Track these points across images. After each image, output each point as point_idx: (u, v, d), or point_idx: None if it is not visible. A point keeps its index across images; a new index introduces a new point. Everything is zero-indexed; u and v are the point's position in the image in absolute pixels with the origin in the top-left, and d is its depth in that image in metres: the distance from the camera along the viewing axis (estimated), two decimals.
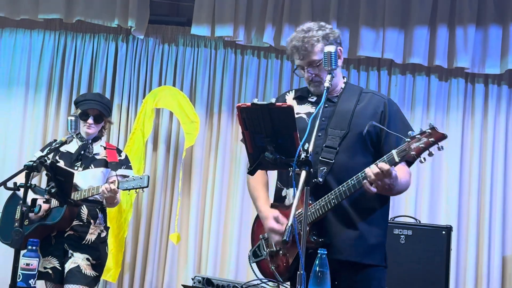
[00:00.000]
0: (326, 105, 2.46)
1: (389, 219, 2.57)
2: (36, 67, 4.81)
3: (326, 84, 2.31)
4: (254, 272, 2.46)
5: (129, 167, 3.58)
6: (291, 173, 2.36)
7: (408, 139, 2.10)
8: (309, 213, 2.25)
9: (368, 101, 2.47)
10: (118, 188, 3.27)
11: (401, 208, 4.42)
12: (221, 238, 4.63)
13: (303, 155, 1.99)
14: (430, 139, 2.06)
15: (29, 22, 4.72)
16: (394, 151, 2.13)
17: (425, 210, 4.48)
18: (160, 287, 4.58)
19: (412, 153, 2.08)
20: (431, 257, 3.61)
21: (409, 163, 2.40)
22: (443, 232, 3.63)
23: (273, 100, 2.00)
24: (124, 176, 3.44)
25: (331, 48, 2.32)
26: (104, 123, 3.59)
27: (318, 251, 1.93)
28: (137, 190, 3.31)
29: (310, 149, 2.05)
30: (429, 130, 2.07)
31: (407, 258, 3.60)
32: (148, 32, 4.76)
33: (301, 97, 2.58)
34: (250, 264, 2.52)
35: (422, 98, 4.68)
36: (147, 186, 3.28)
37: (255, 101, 2.01)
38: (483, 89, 4.65)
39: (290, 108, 2.01)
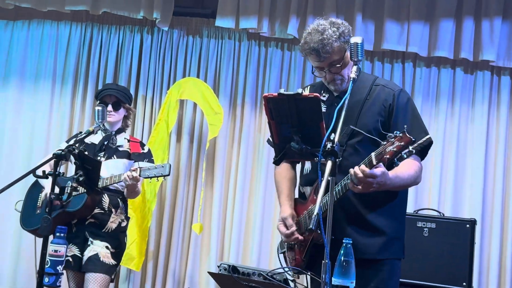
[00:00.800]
0: (336, 103, 2.43)
1: (407, 211, 2.55)
2: (62, 59, 4.88)
3: (352, 75, 2.30)
4: (280, 262, 2.51)
5: (151, 161, 3.61)
6: (305, 171, 2.40)
7: (385, 142, 2.08)
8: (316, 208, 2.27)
9: (378, 94, 2.44)
10: (140, 175, 3.31)
11: (425, 201, 4.41)
12: (244, 228, 4.67)
13: (329, 145, 2.00)
14: (400, 143, 2.04)
15: (56, 13, 4.78)
16: (372, 154, 2.11)
17: (448, 203, 4.46)
18: (183, 276, 4.63)
19: (386, 156, 2.06)
20: (455, 250, 3.59)
21: (422, 155, 2.38)
22: (467, 225, 3.61)
23: (300, 90, 2.02)
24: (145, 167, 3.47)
25: (357, 39, 2.32)
26: (126, 111, 3.63)
27: (344, 241, 1.95)
28: (159, 178, 3.34)
29: (336, 139, 2.06)
30: (400, 134, 2.04)
31: (430, 251, 3.58)
32: (173, 24, 4.79)
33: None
34: (278, 255, 2.58)
35: (447, 91, 4.65)
36: (168, 174, 3.30)
37: (282, 91, 2.02)
38: (509, 82, 4.60)
39: (317, 98, 2.02)
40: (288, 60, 4.82)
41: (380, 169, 2.11)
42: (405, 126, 2.07)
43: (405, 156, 2.05)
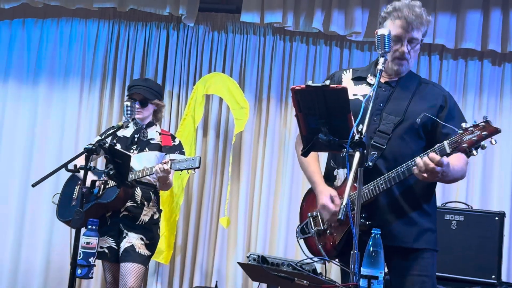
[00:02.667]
0: (384, 89, 2.47)
1: (438, 206, 2.59)
2: (91, 56, 4.95)
3: (379, 66, 2.32)
4: (301, 247, 2.51)
5: (183, 153, 3.68)
6: (342, 154, 2.40)
7: (461, 131, 2.09)
8: (355, 196, 2.27)
9: (428, 92, 2.48)
10: (171, 168, 3.36)
11: (452, 194, 4.38)
12: (270, 222, 4.70)
13: (357, 137, 2.01)
14: (483, 133, 2.05)
15: (84, 11, 4.85)
16: (445, 142, 2.14)
17: (476, 196, 4.43)
18: (211, 269, 4.68)
19: (464, 145, 2.08)
20: (483, 243, 3.56)
21: (466, 154, 2.39)
22: (496, 218, 3.57)
23: (327, 82, 2.03)
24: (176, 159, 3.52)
25: (385, 31, 2.32)
26: (155, 106, 3.69)
27: (372, 231, 1.96)
28: (189, 171, 3.39)
29: (364, 131, 2.07)
30: (482, 123, 2.06)
31: (458, 244, 3.56)
32: (198, 20, 4.83)
33: (359, 78, 2.57)
34: (298, 240, 2.57)
35: (475, 83, 4.61)
36: (198, 167, 3.35)
37: (310, 83, 2.04)
38: None
39: (344, 89, 2.03)
40: (313, 54, 4.82)
41: (446, 159, 2.14)
42: (463, 124, 2.10)
43: (486, 145, 2.06)
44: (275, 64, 4.84)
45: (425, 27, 2.46)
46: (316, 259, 2.34)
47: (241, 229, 4.67)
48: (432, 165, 2.13)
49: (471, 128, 2.07)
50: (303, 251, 2.49)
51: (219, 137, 4.82)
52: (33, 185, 2.98)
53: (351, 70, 2.66)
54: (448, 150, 2.13)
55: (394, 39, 2.41)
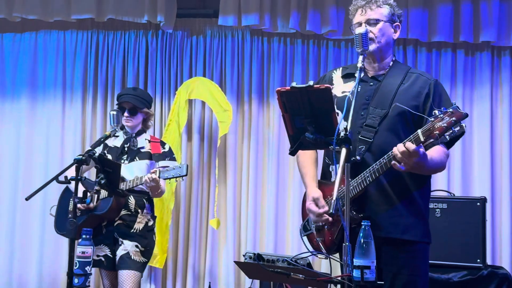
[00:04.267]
0: (371, 83, 2.55)
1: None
2: (71, 68, 4.97)
3: (359, 64, 2.41)
4: (305, 244, 2.58)
5: (173, 159, 3.74)
6: (330, 150, 2.47)
7: (432, 119, 2.17)
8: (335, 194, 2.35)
9: (413, 81, 2.53)
10: (159, 177, 3.42)
11: (434, 182, 4.43)
12: (259, 221, 4.77)
13: (342, 133, 2.10)
14: (452, 119, 2.11)
15: (62, 23, 4.86)
16: (419, 131, 2.20)
17: (458, 183, 4.56)
18: (203, 270, 4.75)
19: (435, 132, 2.14)
20: (467, 228, 3.67)
21: (449, 144, 2.46)
22: (478, 204, 3.69)
23: (311, 82, 2.11)
24: (166, 167, 3.59)
25: (361, 30, 2.43)
26: (145, 115, 3.74)
27: (362, 223, 2.04)
28: (177, 178, 3.46)
29: (349, 127, 2.16)
30: (451, 110, 2.13)
31: (443, 231, 3.66)
32: (177, 26, 4.88)
33: (348, 75, 2.64)
34: (301, 237, 2.65)
35: (449, 74, 4.74)
36: (186, 175, 3.42)
37: (294, 84, 2.11)
38: (510, 61, 4.68)
39: (328, 89, 2.10)
40: (292, 54, 4.90)
41: (422, 150, 2.20)
42: (444, 107, 2.16)
43: (456, 131, 2.12)
44: (254, 66, 4.91)
45: (385, 8, 2.57)
46: (309, 254, 2.41)
47: (231, 230, 4.74)
48: (407, 153, 2.19)
49: (441, 115, 2.14)
50: (307, 248, 2.56)
51: (204, 141, 4.88)
52: (26, 199, 3.02)
53: (341, 68, 2.74)
54: (422, 138, 2.19)
55: (357, 26, 2.54)
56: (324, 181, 2.63)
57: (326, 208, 2.46)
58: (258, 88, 4.89)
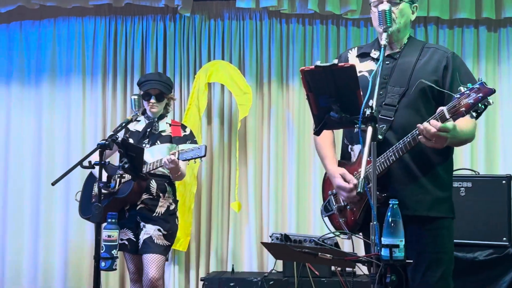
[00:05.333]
0: (388, 62, 2.51)
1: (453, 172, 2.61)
2: (90, 54, 4.98)
3: (382, 42, 2.38)
4: (326, 225, 2.57)
5: (195, 142, 3.75)
6: (356, 130, 2.46)
7: (458, 95, 2.13)
8: (370, 170, 2.33)
9: (430, 56, 2.49)
10: (178, 159, 3.42)
11: (458, 161, 4.42)
12: (280, 202, 4.78)
13: (368, 112, 2.07)
14: (478, 95, 2.07)
15: (80, 9, 4.87)
16: (444, 108, 2.16)
17: (482, 161, 4.52)
18: (226, 253, 4.77)
19: (462, 109, 2.10)
20: (492, 207, 3.63)
21: (477, 115, 2.43)
22: (503, 182, 3.64)
23: (336, 61, 2.09)
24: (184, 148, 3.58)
25: (385, 7, 2.39)
26: (167, 100, 3.76)
27: (390, 202, 2.02)
28: (196, 160, 3.46)
29: (374, 105, 2.13)
30: (477, 86, 2.08)
31: (468, 210, 3.63)
32: (194, 9, 4.85)
33: (364, 54, 2.63)
34: (323, 218, 2.64)
35: (472, 51, 4.67)
36: (204, 155, 3.41)
37: (318, 63, 2.09)
38: None
39: (353, 67, 2.08)
40: (310, 35, 4.87)
41: (451, 123, 2.17)
42: (469, 84, 2.11)
43: (482, 108, 2.08)
44: (273, 48, 4.88)
45: None
46: (337, 233, 2.41)
47: (252, 212, 4.75)
48: (434, 130, 2.16)
49: (467, 92, 2.10)
50: (328, 229, 2.55)
51: (224, 124, 4.88)
52: (52, 184, 3.04)
53: (356, 48, 2.72)
54: (447, 116, 2.16)
55: (377, 4, 2.49)
56: (344, 161, 2.61)
57: (355, 181, 2.43)
58: (277, 69, 4.87)
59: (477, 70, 4.62)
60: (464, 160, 4.46)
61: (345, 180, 2.47)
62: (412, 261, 2.00)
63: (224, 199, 4.84)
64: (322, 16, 4.79)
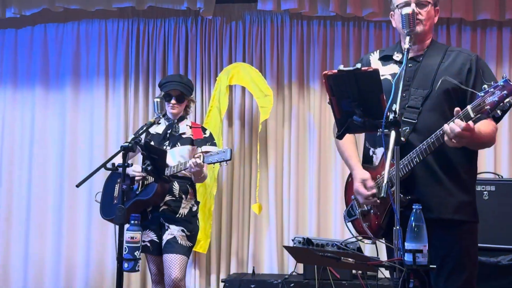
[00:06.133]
0: (410, 64, 2.50)
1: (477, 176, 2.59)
2: (112, 56, 5.04)
3: (406, 45, 2.37)
4: (350, 230, 2.56)
5: (214, 144, 3.76)
6: (379, 133, 2.45)
7: (482, 93, 2.11)
8: (393, 172, 2.32)
9: (454, 59, 2.48)
10: (203, 162, 3.45)
11: (481, 164, 4.40)
12: (301, 205, 4.78)
13: (391, 116, 2.06)
14: (503, 92, 2.04)
15: (103, 12, 4.92)
16: (469, 107, 2.14)
17: (505, 165, 4.47)
18: (246, 255, 4.78)
19: (486, 107, 2.07)
20: None
21: (496, 119, 2.41)
22: None
23: (359, 65, 2.08)
24: (209, 151, 3.61)
25: (409, 10, 2.38)
26: (187, 102, 3.79)
27: (413, 206, 2.01)
28: (221, 163, 3.48)
29: (397, 109, 2.12)
30: (501, 83, 2.05)
31: (491, 214, 3.59)
32: (216, 12, 4.88)
33: (386, 57, 2.61)
34: (346, 224, 2.63)
35: (495, 52, 4.63)
36: (230, 159, 3.43)
37: (341, 67, 2.08)
38: None
39: (376, 71, 2.07)
40: (332, 37, 4.86)
41: (472, 124, 2.15)
42: (493, 82, 2.09)
43: (508, 105, 2.05)
44: (294, 50, 4.89)
45: None
46: (359, 238, 2.40)
47: (273, 214, 4.75)
48: (458, 129, 2.14)
49: (491, 90, 2.07)
50: (352, 234, 2.54)
51: (245, 126, 4.89)
52: (77, 186, 3.08)
53: (378, 51, 2.71)
54: (472, 115, 2.13)
55: (404, 5, 2.46)
56: (367, 165, 2.60)
57: (375, 190, 2.43)
58: (298, 72, 4.87)
59: (499, 72, 4.57)
60: (487, 163, 4.41)
61: (365, 186, 2.47)
62: (435, 266, 1.99)
63: (244, 201, 4.85)
64: (344, 18, 4.78)
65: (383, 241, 2.39)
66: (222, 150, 3.47)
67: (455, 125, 2.15)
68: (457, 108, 2.18)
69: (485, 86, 2.10)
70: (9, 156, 5.08)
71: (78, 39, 5.08)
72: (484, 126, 2.32)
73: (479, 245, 2.55)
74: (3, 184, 5.06)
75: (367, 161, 2.62)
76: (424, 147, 2.31)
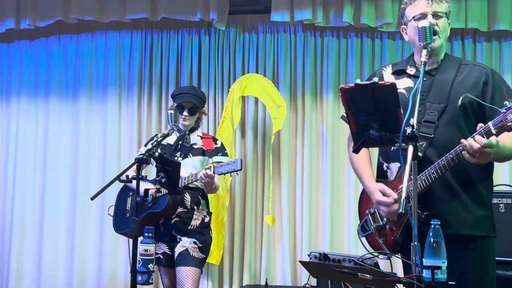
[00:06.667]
0: (425, 78, 2.48)
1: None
2: (126, 67, 5.06)
3: (423, 59, 2.34)
4: (364, 245, 2.54)
5: (225, 154, 3.76)
6: (393, 148, 2.43)
7: (504, 110, 2.09)
8: (411, 188, 2.29)
9: (469, 72, 2.46)
10: (214, 173, 3.44)
11: (496, 177, 4.31)
12: (314, 216, 4.75)
13: (408, 130, 2.04)
14: None
15: (117, 23, 4.95)
16: (490, 123, 2.12)
17: None
18: (259, 267, 4.76)
19: (509, 124, 2.06)
20: None
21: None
22: None
23: (376, 79, 2.07)
24: (219, 162, 3.60)
25: (425, 23, 2.36)
26: (199, 114, 3.79)
27: (431, 222, 1.98)
28: (232, 174, 3.46)
29: (415, 124, 2.10)
30: None
31: (508, 227, 3.54)
32: (229, 23, 4.89)
33: (399, 71, 2.60)
34: (360, 238, 2.60)
35: (510, 64, 4.59)
36: (240, 169, 3.41)
37: (358, 81, 2.07)
38: None
39: (393, 85, 2.06)
40: (345, 48, 4.85)
41: (495, 138, 2.13)
42: (505, 102, 2.10)
43: None
44: (307, 61, 4.88)
45: (445, 3, 2.49)
46: (376, 254, 2.37)
47: (286, 226, 4.73)
48: (478, 146, 2.13)
49: None
50: (366, 249, 2.51)
51: (257, 137, 4.88)
52: (91, 198, 3.08)
53: (390, 65, 2.70)
54: (493, 131, 2.12)
55: (420, 17, 2.46)
56: (382, 180, 2.58)
57: (395, 195, 2.40)
58: (311, 83, 4.86)
59: None
60: (503, 175, 4.37)
61: (384, 195, 2.44)
62: (454, 283, 1.96)
63: (257, 212, 4.83)
64: (357, 29, 4.77)
65: (398, 256, 2.36)
66: (232, 161, 3.47)
67: (474, 142, 2.13)
68: (480, 124, 2.16)
69: (507, 102, 2.08)
70: (23, 167, 5.10)
71: (92, 50, 5.11)
72: (508, 138, 2.29)
73: (497, 258, 2.52)
74: (17, 195, 5.08)
75: (381, 176, 2.61)
76: (442, 162, 2.29)
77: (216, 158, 3.66)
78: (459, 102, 2.37)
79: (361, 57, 4.84)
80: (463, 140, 2.19)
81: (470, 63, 2.54)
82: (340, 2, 4.57)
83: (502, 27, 4.43)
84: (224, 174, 3.47)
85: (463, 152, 2.21)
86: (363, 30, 4.78)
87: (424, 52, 2.35)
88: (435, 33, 2.42)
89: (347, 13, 4.52)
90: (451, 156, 2.27)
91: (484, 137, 2.14)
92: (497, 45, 4.63)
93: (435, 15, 2.46)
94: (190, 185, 3.60)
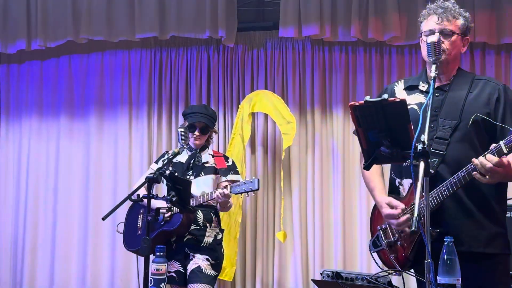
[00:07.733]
0: (437, 94, 2.47)
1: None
2: (136, 85, 5.09)
3: (432, 74, 2.34)
4: (375, 261, 2.52)
5: (237, 172, 3.77)
6: (405, 164, 2.42)
7: None
8: (422, 205, 2.27)
9: (481, 88, 2.45)
10: (231, 192, 3.45)
11: (509, 190, 4.31)
12: (326, 232, 4.72)
13: (419, 147, 2.04)
14: None
15: (126, 42, 4.99)
16: (502, 143, 2.12)
17: None
18: (271, 283, 4.73)
19: None
20: None
21: None
22: None
23: (385, 96, 2.06)
24: (234, 181, 3.60)
25: (434, 38, 2.36)
26: (210, 133, 3.80)
27: (445, 239, 1.97)
28: (249, 193, 3.47)
29: (426, 140, 2.09)
30: None
31: None
32: (237, 40, 4.91)
33: (411, 87, 2.59)
34: (371, 254, 2.59)
35: None
36: (258, 189, 3.42)
37: (368, 98, 2.07)
38: None
39: (403, 101, 2.05)
40: (354, 62, 4.85)
41: (506, 159, 2.13)
42: None
43: None
44: (316, 76, 4.88)
45: (460, 20, 2.48)
46: (390, 271, 2.35)
47: (298, 242, 4.70)
48: (489, 165, 2.12)
49: None
50: (377, 265, 2.50)
51: (268, 153, 4.88)
52: (103, 219, 3.08)
53: (402, 81, 2.69)
54: (505, 151, 2.12)
55: (429, 34, 2.46)
56: (394, 196, 2.57)
57: (403, 206, 2.40)
58: (320, 98, 4.86)
59: None
60: None
61: (391, 207, 2.43)
62: None
63: (269, 228, 4.81)
64: (365, 44, 4.77)
65: (411, 273, 2.34)
66: (249, 180, 3.47)
67: (486, 160, 2.12)
68: (493, 144, 2.15)
69: None
70: (35, 186, 5.13)
71: (102, 69, 5.15)
72: None
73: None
74: (29, 214, 5.10)
75: (393, 191, 2.59)
76: (454, 180, 2.28)
77: (229, 177, 3.68)
78: (470, 121, 2.36)
79: (370, 72, 4.83)
80: (474, 160, 2.18)
81: (483, 78, 2.53)
82: (348, 17, 4.58)
83: (510, 40, 4.41)
84: (241, 193, 3.48)
85: (474, 173, 2.20)
86: (371, 44, 4.78)
87: (433, 67, 2.34)
88: (443, 50, 2.42)
89: (354, 27, 4.52)
90: (462, 174, 2.25)
91: (495, 156, 2.13)
92: (506, 57, 4.61)
93: (443, 33, 2.45)
94: (203, 203, 3.61)
